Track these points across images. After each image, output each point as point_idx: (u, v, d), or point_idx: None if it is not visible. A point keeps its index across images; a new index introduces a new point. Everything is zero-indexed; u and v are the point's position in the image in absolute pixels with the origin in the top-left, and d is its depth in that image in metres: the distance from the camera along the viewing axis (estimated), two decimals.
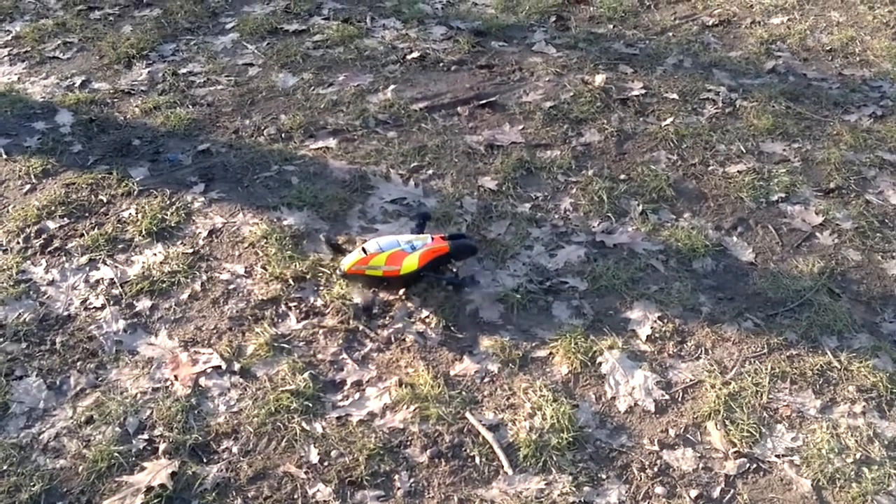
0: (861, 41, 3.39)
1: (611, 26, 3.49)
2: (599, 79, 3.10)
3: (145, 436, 1.81)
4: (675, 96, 3.03)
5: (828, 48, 3.35)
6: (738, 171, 2.66)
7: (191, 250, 2.32)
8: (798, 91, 3.06)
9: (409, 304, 2.16)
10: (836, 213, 2.50)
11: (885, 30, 3.46)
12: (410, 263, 2.08)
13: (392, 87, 3.07)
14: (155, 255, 2.30)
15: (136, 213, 2.43)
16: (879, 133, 2.84)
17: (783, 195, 2.57)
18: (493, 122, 2.89)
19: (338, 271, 2.18)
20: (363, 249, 2.11)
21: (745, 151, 2.76)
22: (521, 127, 2.86)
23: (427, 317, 2.12)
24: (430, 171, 2.65)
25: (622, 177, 2.64)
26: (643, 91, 3.05)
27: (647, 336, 2.09)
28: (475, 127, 2.87)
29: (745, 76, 3.16)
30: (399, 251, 2.09)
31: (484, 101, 2.99)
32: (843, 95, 3.05)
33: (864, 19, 3.55)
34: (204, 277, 2.23)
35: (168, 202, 2.49)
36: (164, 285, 2.20)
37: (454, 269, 2.23)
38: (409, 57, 3.25)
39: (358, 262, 2.09)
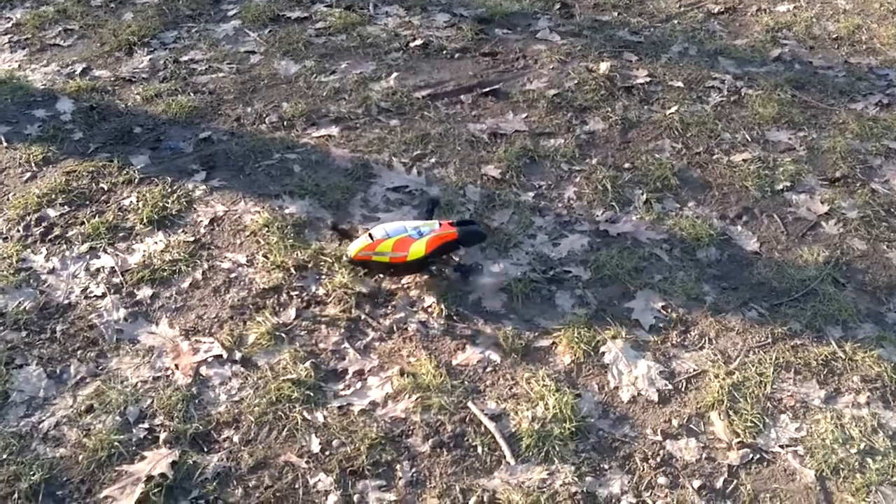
0: (868, 29, 3.33)
1: (615, 13, 3.45)
2: (604, 66, 3.05)
3: (146, 425, 1.79)
4: (680, 84, 2.98)
5: (834, 36, 3.30)
6: (743, 160, 2.62)
7: (192, 239, 2.29)
8: (804, 79, 3.02)
9: (412, 293, 2.13)
10: (841, 202, 2.47)
11: (891, 17, 3.41)
12: (417, 250, 2.04)
13: (395, 74, 3.03)
14: (156, 243, 2.27)
15: (137, 202, 2.41)
16: (886, 122, 2.80)
17: (788, 184, 2.53)
18: (496, 111, 2.86)
19: (344, 257, 2.14)
20: (370, 235, 2.07)
21: (750, 140, 2.72)
22: (524, 115, 2.83)
23: (429, 306, 2.10)
24: (433, 160, 2.62)
25: (626, 165, 2.61)
26: (648, 79, 3.01)
27: (651, 326, 2.07)
28: (478, 115, 2.83)
29: (751, 64, 3.12)
30: (406, 237, 2.05)
31: (487, 89, 2.95)
32: (849, 84, 3.00)
33: (870, 7, 3.49)
34: (205, 266, 2.21)
35: (169, 190, 2.46)
36: (164, 274, 2.17)
37: (457, 258, 2.20)
38: (412, 44, 3.21)
39: (364, 248, 2.05)
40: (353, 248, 2.08)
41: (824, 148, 2.68)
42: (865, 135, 2.74)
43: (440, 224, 2.10)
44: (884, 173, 2.59)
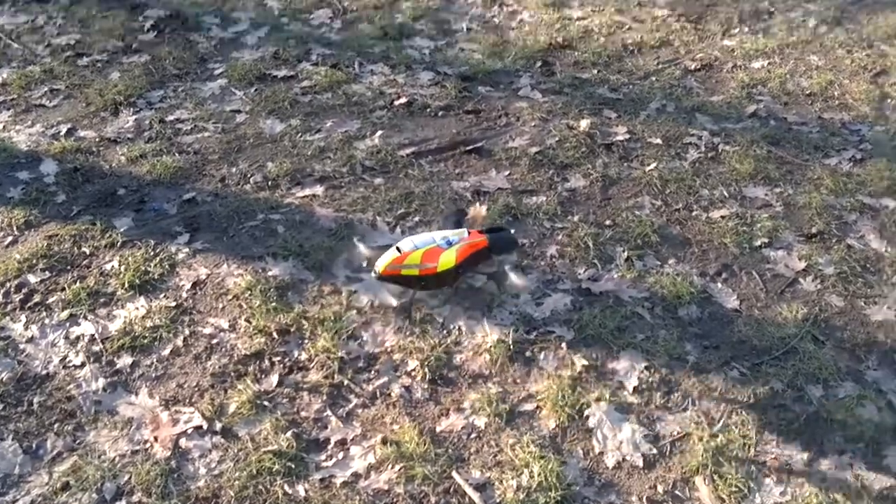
0: (840, 85, 3.43)
1: (595, 71, 3.53)
2: (584, 124, 3.11)
3: (123, 502, 1.76)
4: (658, 141, 3.04)
5: (807, 92, 3.39)
6: (721, 217, 2.66)
7: (174, 304, 2.28)
8: (779, 135, 3.09)
9: (395, 357, 2.13)
10: (818, 258, 2.50)
11: (863, 73, 3.51)
12: (448, 260, 1.97)
13: (379, 132, 3.07)
14: (137, 309, 2.26)
15: (119, 266, 2.40)
16: (859, 177, 2.86)
17: (766, 240, 2.57)
18: (479, 168, 2.90)
19: (372, 273, 2.08)
20: (397, 248, 2.00)
21: (727, 196, 2.77)
22: (507, 172, 2.87)
23: (413, 370, 2.09)
24: (417, 218, 2.64)
25: (607, 223, 2.64)
26: (627, 136, 3.07)
27: (635, 387, 2.07)
28: (462, 173, 2.87)
29: (727, 120, 3.19)
30: (435, 248, 1.97)
31: (470, 147, 2.99)
32: (823, 139, 3.07)
33: (842, 63, 3.60)
34: (186, 332, 2.20)
35: (152, 253, 2.46)
36: (145, 341, 2.16)
37: (489, 267, 2.11)
38: (396, 102, 3.27)
39: (393, 262, 1.98)
40: (381, 264, 2.00)
41: (800, 204, 2.73)
42: (840, 190, 2.79)
43: (469, 232, 2.04)
44: (859, 229, 2.63)
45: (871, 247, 2.55)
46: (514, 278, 2.19)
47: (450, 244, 2.00)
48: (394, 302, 2.06)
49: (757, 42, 3.75)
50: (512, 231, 2.21)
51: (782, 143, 3.05)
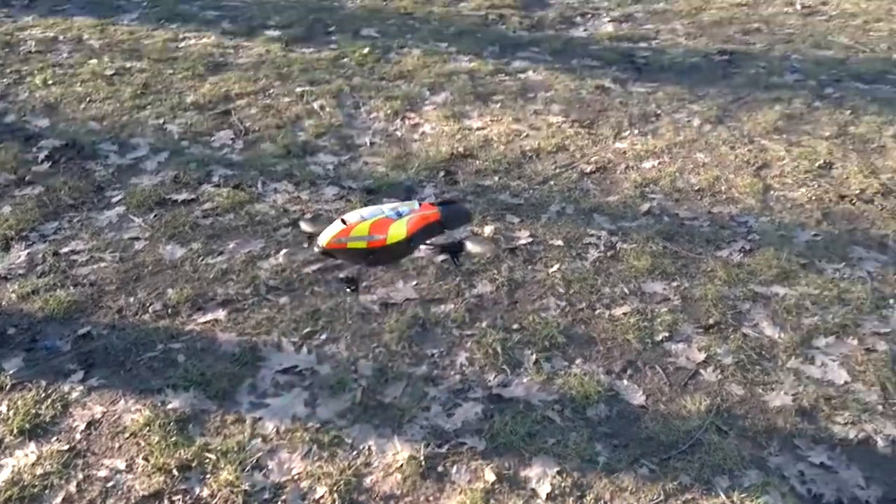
0: (726, 180, 3.84)
1: (496, 178, 3.83)
2: (488, 230, 3.36)
3: None
4: (560, 243, 3.31)
5: (696, 188, 3.77)
6: (623, 314, 2.90)
7: (66, 447, 2.29)
8: (672, 231, 3.41)
9: (303, 485, 2.18)
10: (717, 348, 2.74)
11: (746, 167, 3.94)
12: (398, 232, 1.95)
13: (284, 251, 3.22)
14: (27, 455, 2.25)
15: (8, 411, 2.40)
16: (750, 267, 3.17)
17: (667, 334, 2.81)
18: (386, 280, 3.06)
19: (315, 248, 2.03)
20: (342, 220, 1.97)
21: (628, 293, 3.02)
22: (414, 283, 3.04)
23: (321, 497, 2.15)
24: (324, 336, 2.76)
25: (515, 326, 2.82)
26: (530, 239, 3.32)
27: (548, 494, 2.18)
28: (369, 286, 3.02)
29: (623, 219, 3.51)
30: (384, 218, 1.96)
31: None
32: (713, 232, 3.41)
33: (726, 159, 4.04)
34: (80, 477, 2.20)
35: (43, 395, 2.47)
36: (35, 490, 2.14)
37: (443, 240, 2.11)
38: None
39: (338, 235, 1.96)
40: (325, 237, 1.97)
41: (696, 296, 3.01)
42: (733, 281, 3.09)
43: (420, 204, 2.03)
44: (752, 317, 2.91)
45: (765, 334, 2.82)
46: (472, 247, 2.21)
47: (400, 215, 2.00)
48: (340, 273, 2.05)
49: (647, 143, 4.17)
50: (465, 204, 2.24)
51: (676, 238, 3.36)
